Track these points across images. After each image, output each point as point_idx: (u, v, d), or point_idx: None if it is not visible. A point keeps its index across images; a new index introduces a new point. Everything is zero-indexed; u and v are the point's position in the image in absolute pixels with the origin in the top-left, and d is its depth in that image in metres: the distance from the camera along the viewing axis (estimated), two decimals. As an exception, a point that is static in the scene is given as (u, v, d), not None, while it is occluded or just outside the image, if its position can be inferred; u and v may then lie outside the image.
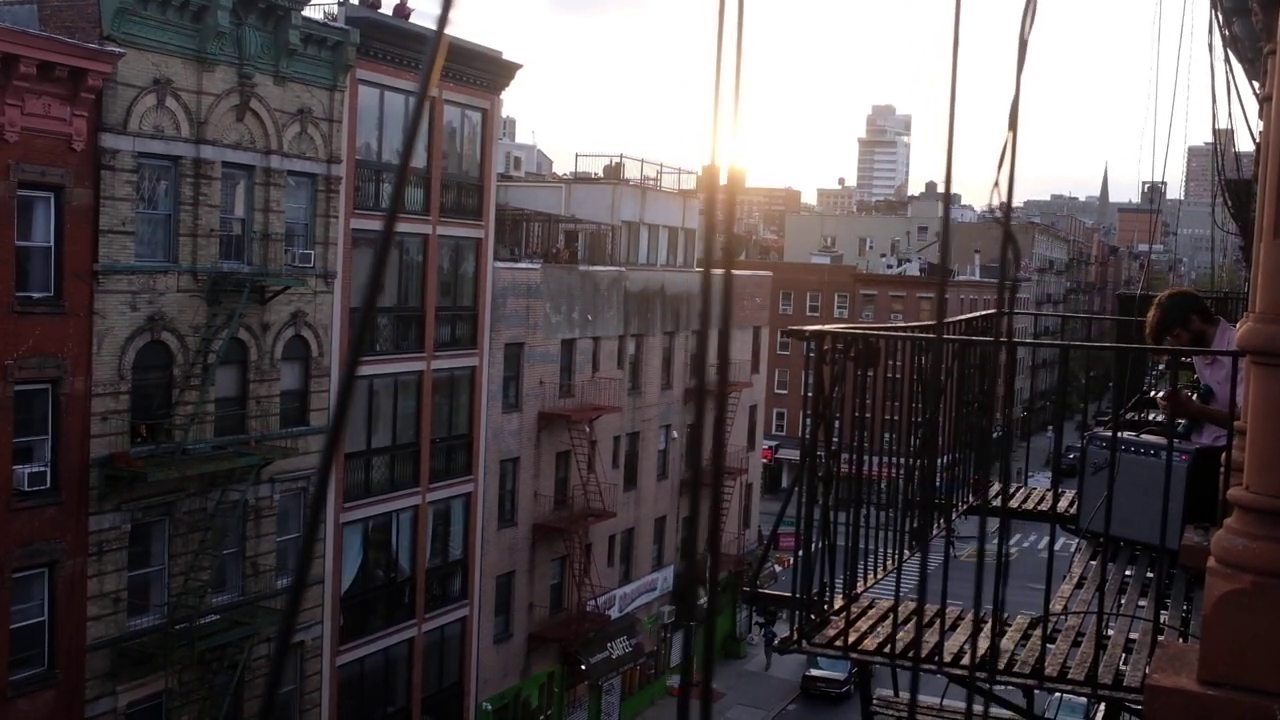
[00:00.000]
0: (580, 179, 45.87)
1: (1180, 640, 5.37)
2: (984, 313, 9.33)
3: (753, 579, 8.17)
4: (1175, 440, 6.31)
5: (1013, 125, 2.58)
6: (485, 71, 32.44)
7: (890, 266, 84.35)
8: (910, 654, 5.69)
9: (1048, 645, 5.45)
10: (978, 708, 5.76)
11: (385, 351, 29.90)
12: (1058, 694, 5.89)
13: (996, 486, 8.75)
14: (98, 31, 22.08)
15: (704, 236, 1.93)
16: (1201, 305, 7.66)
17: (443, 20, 1.57)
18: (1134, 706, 5.43)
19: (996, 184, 2.56)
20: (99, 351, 22.49)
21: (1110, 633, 5.69)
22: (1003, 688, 5.58)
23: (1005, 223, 2.59)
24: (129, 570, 23.42)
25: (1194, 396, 7.09)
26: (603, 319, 38.36)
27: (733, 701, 44.38)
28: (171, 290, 23.85)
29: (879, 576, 6.46)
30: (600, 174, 47.49)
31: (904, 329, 7.33)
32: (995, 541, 6.07)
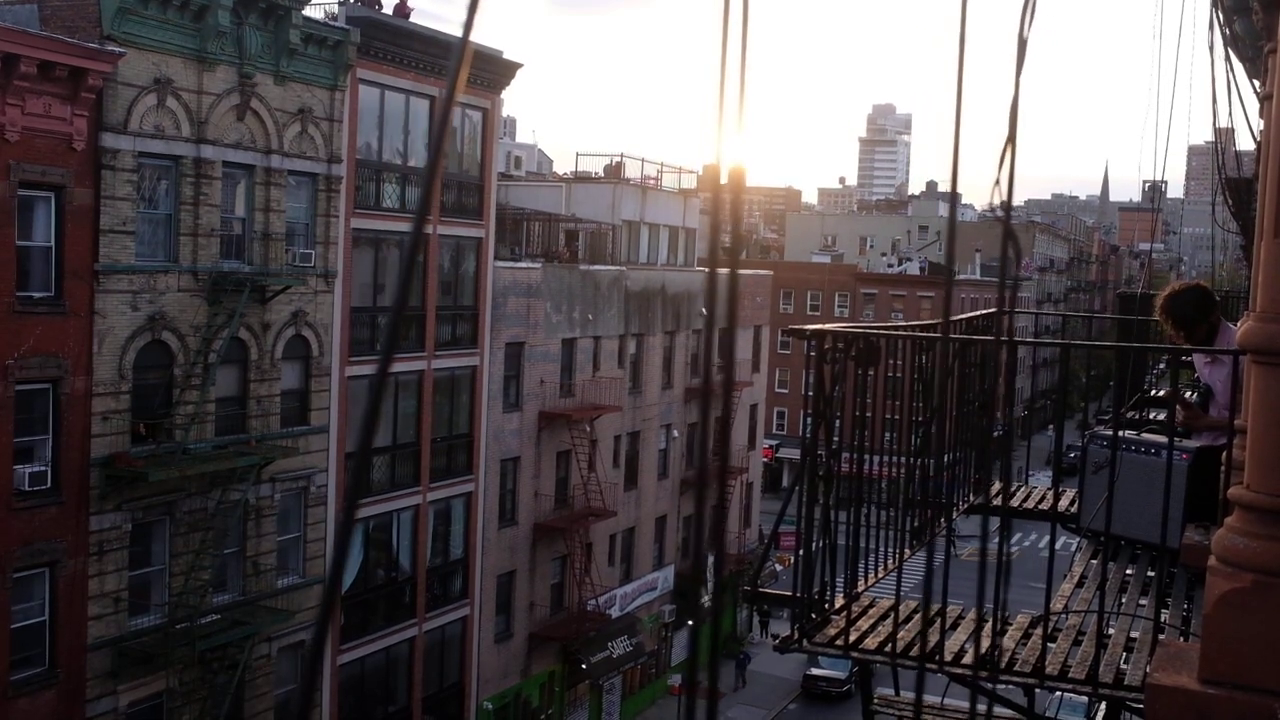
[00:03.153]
0: (581, 178, 45.83)
1: (1181, 639, 5.37)
2: (985, 311, 9.33)
3: (753, 578, 8.19)
4: (1176, 439, 6.30)
5: (1012, 124, 2.58)
6: (485, 71, 32.43)
7: (891, 266, 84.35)
8: (911, 653, 5.69)
9: (1048, 644, 5.45)
10: (980, 707, 5.76)
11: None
12: (1059, 693, 5.88)
13: (997, 485, 8.74)
14: (98, 31, 22.08)
15: (707, 235, 1.93)
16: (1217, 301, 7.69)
17: (468, 27, 1.56)
18: (1135, 705, 5.43)
19: (997, 182, 2.56)
20: (100, 351, 22.49)
21: (1111, 631, 5.69)
22: (1004, 687, 5.58)
23: (1006, 221, 2.59)
24: (130, 570, 23.43)
25: (1193, 395, 7.09)
26: (603, 318, 38.35)
27: (734, 701, 44.36)
28: (172, 290, 23.85)
29: (880, 576, 6.46)
30: (601, 173, 47.47)
31: (905, 328, 7.33)
32: (996, 540, 6.07)
